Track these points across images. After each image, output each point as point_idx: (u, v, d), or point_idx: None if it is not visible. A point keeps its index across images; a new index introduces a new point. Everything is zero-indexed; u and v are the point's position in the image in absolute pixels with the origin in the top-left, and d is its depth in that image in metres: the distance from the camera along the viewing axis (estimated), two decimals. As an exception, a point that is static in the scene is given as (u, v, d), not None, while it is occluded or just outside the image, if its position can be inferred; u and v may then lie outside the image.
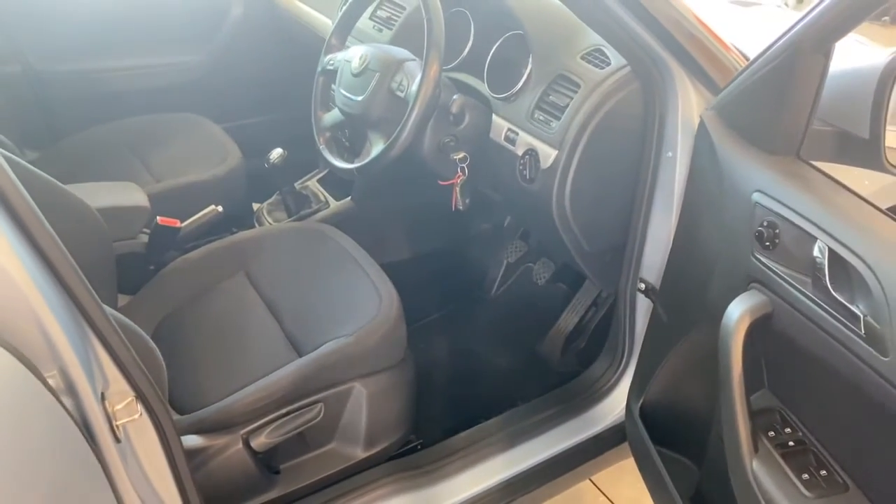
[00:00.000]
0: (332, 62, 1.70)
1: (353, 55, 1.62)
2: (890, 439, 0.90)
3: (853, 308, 0.90)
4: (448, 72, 1.73)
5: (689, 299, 1.29)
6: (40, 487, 0.71)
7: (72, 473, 0.79)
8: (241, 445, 1.30)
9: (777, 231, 1.03)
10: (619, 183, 1.48)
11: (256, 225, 2.15)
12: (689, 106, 1.31)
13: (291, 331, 1.46)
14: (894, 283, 0.86)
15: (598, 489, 1.96)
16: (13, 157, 1.23)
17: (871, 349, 0.87)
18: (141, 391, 0.92)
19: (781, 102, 1.08)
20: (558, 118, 1.45)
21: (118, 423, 0.89)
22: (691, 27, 1.25)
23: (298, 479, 1.40)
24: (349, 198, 2.16)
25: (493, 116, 1.60)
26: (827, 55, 1.02)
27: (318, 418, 1.37)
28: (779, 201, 1.03)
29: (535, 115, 1.50)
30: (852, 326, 0.90)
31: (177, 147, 2.15)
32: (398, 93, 1.52)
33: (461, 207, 1.64)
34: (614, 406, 1.62)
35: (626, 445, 1.54)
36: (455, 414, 1.74)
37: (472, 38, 1.75)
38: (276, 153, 2.04)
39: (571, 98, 1.44)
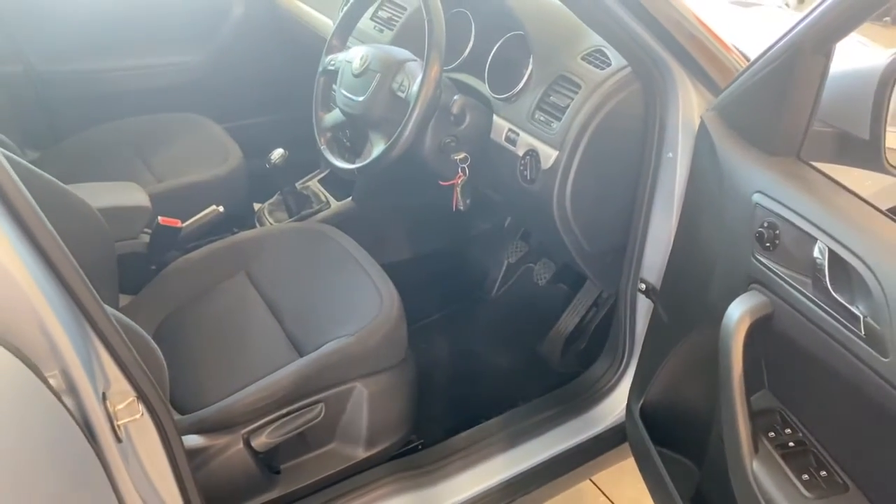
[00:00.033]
0: (333, 62, 1.70)
1: (354, 56, 1.62)
2: (890, 440, 0.91)
3: (853, 309, 0.90)
4: (449, 72, 1.74)
5: (689, 300, 1.29)
6: (42, 487, 0.71)
7: (73, 473, 0.79)
8: (241, 445, 1.31)
9: (777, 232, 1.03)
10: (620, 183, 1.48)
11: (257, 225, 2.16)
12: (690, 107, 1.31)
13: (292, 331, 1.46)
14: (894, 284, 0.86)
15: (599, 489, 1.96)
16: (15, 157, 1.24)
17: (870, 350, 0.87)
18: (142, 391, 0.92)
19: (782, 103, 1.08)
20: (559, 119, 1.45)
21: (119, 422, 0.89)
22: (692, 28, 1.25)
23: (299, 479, 1.40)
24: (350, 198, 2.16)
25: (494, 117, 1.60)
26: (827, 56, 1.02)
27: (319, 418, 1.37)
28: (779, 202, 1.03)
29: (536, 116, 1.50)
30: (852, 327, 0.90)
31: (178, 147, 2.15)
32: (399, 93, 1.52)
33: (462, 208, 1.64)
34: (615, 406, 1.62)
35: (626, 446, 1.54)
36: (456, 414, 1.74)
37: (472, 39, 1.75)
38: (278, 153, 2.05)
39: (572, 99, 1.44)
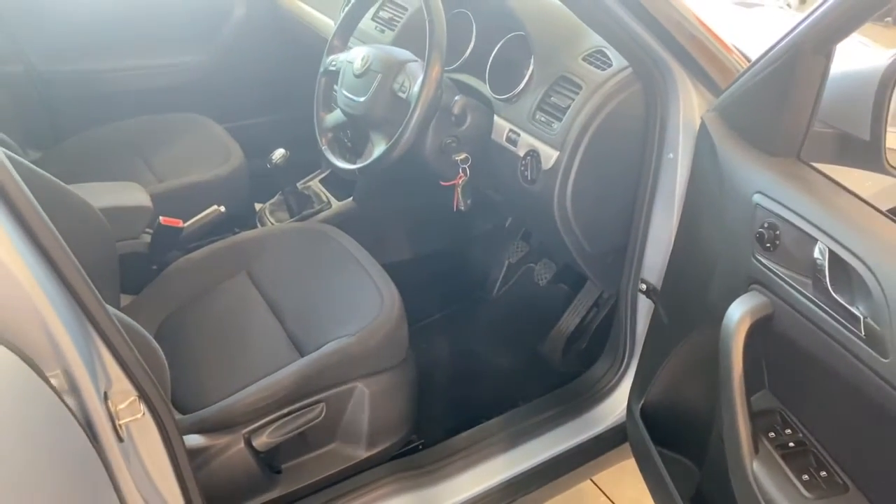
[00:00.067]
0: (334, 63, 1.71)
1: (355, 56, 1.62)
2: (889, 440, 0.91)
3: (853, 309, 0.90)
4: (450, 73, 1.74)
5: (689, 300, 1.29)
6: (44, 487, 0.71)
7: (75, 473, 0.79)
8: (242, 445, 1.31)
9: (778, 232, 1.03)
10: (621, 184, 1.48)
11: (259, 225, 2.16)
12: (691, 107, 1.31)
13: (293, 331, 1.46)
14: (894, 284, 0.86)
15: (600, 489, 1.96)
16: (16, 157, 1.24)
17: (870, 350, 0.88)
18: (144, 391, 0.93)
19: (782, 104, 1.08)
20: (560, 119, 1.45)
21: (121, 422, 0.89)
22: (692, 28, 1.26)
23: (300, 479, 1.41)
24: (351, 198, 2.16)
25: (495, 117, 1.60)
26: (828, 57, 1.03)
27: (320, 418, 1.37)
28: (779, 203, 1.03)
29: (537, 117, 1.50)
30: (852, 328, 0.90)
31: (179, 147, 2.15)
32: (400, 94, 1.52)
33: (463, 208, 1.64)
34: (615, 406, 1.62)
35: (627, 446, 1.54)
36: (456, 414, 1.74)
37: (473, 40, 1.75)
38: (279, 153, 2.05)
39: (573, 99, 1.44)
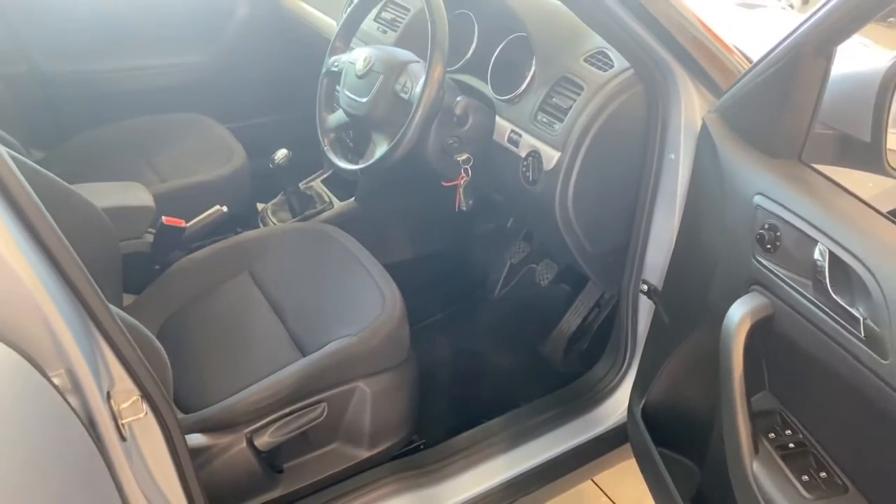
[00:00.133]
0: (336, 64, 1.71)
1: (357, 57, 1.62)
2: (889, 441, 0.91)
3: (853, 311, 0.91)
4: (452, 73, 1.74)
5: (690, 301, 1.29)
6: (46, 486, 0.71)
7: (77, 472, 0.80)
8: (244, 444, 1.31)
9: (778, 234, 1.03)
10: (622, 185, 1.49)
11: (261, 225, 2.16)
12: (692, 108, 1.31)
13: (295, 330, 1.47)
14: (894, 286, 0.86)
15: (601, 490, 1.96)
16: (20, 156, 1.24)
17: (870, 352, 0.88)
18: (146, 390, 0.93)
19: (783, 105, 1.08)
20: (561, 120, 1.45)
21: (123, 421, 0.90)
22: (694, 29, 1.26)
23: (302, 479, 1.41)
24: (353, 198, 2.17)
25: (497, 118, 1.60)
26: (829, 58, 1.03)
27: (322, 418, 1.38)
28: (780, 204, 1.03)
29: (539, 117, 1.50)
30: (852, 329, 0.91)
31: (182, 147, 2.16)
32: (402, 94, 1.53)
33: (464, 208, 1.64)
34: (616, 407, 1.62)
35: (628, 446, 1.54)
36: (458, 414, 1.75)
37: (475, 40, 1.75)
38: (281, 154, 2.05)
39: (574, 100, 1.44)
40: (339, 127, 1.73)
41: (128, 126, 2.21)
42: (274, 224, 2.13)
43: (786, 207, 1.02)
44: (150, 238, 1.77)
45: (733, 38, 1.34)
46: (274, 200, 2.22)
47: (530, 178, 1.52)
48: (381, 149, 1.54)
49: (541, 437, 1.57)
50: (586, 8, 1.31)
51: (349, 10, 1.73)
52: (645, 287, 1.49)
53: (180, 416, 1.30)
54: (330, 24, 2.16)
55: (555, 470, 1.55)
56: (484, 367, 1.99)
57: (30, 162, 1.27)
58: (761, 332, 1.05)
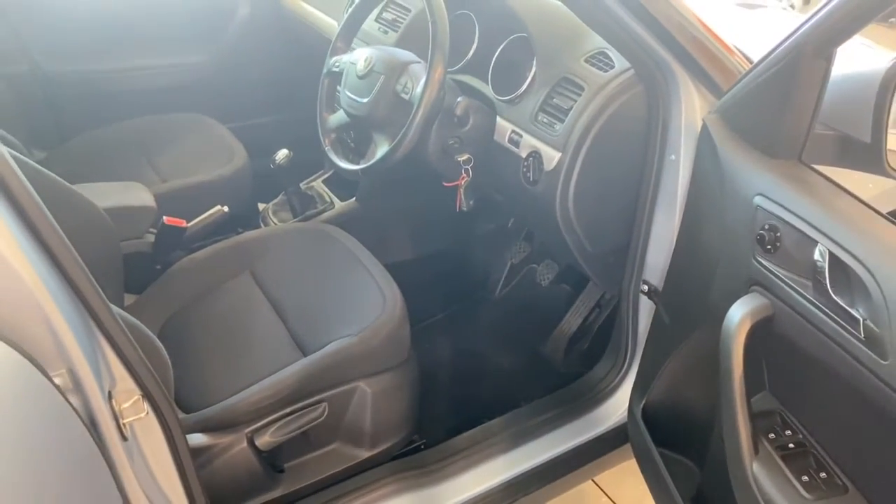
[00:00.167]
0: (337, 64, 1.71)
1: (358, 57, 1.63)
2: (889, 442, 0.91)
3: (853, 311, 0.91)
4: (452, 74, 1.74)
5: (691, 301, 1.29)
6: (48, 486, 0.72)
7: (78, 471, 0.80)
8: (245, 444, 1.31)
9: (778, 234, 1.03)
10: (623, 185, 1.49)
11: (262, 225, 2.16)
12: (693, 109, 1.31)
13: (296, 330, 1.47)
14: (894, 287, 0.86)
15: (601, 490, 1.96)
16: (21, 156, 1.24)
17: (870, 352, 0.88)
18: (147, 390, 0.93)
19: (784, 106, 1.08)
20: (562, 120, 1.45)
21: (125, 421, 0.90)
22: (694, 30, 1.26)
23: (302, 478, 1.41)
24: (354, 199, 2.17)
25: (498, 118, 1.61)
26: (829, 59, 1.03)
27: (322, 418, 1.38)
28: (780, 205, 1.03)
29: (539, 118, 1.50)
30: (852, 330, 0.91)
31: (183, 147, 2.16)
32: (403, 95, 1.53)
33: (465, 209, 1.64)
34: (617, 407, 1.62)
35: (628, 446, 1.54)
36: (458, 414, 1.75)
37: (476, 41, 1.76)
38: (282, 154, 2.06)
39: (575, 101, 1.44)
40: (340, 127, 1.73)
41: (129, 126, 2.21)
42: (275, 224, 2.13)
43: (786, 208, 1.02)
44: (151, 238, 1.77)
45: (734, 38, 1.34)
46: (275, 200, 2.23)
47: (531, 179, 1.52)
48: (381, 149, 1.54)
49: (541, 437, 1.57)
50: (586, 8, 1.31)
51: (350, 10, 1.74)
52: (645, 287, 1.49)
53: (181, 415, 1.30)
54: (331, 24, 2.16)
55: (555, 470, 1.56)
56: (484, 367, 2.00)
57: (31, 162, 1.28)
58: (761, 332, 1.06)
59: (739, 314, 1.06)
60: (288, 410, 1.35)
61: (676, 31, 1.25)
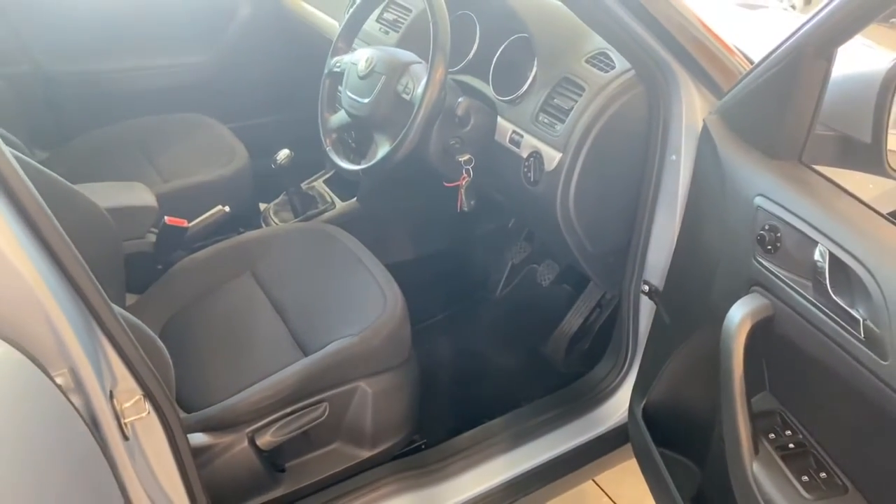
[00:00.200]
0: (338, 64, 1.71)
1: (359, 57, 1.63)
2: (889, 442, 0.91)
3: (853, 312, 0.91)
4: (453, 74, 1.74)
5: (691, 301, 1.29)
6: (49, 486, 0.72)
7: (80, 471, 0.80)
8: (246, 444, 1.32)
9: (779, 235, 1.03)
10: (623, 185, 1.49)
11: (263, 225, 2.17)
12: (693, 110, 1.32)
13: (297, 330, 1.47)
14: (894, 287, 0.86)
15: (601, 490, 1.97)
16: (23, 156, 1.25)
17: (870, 353, 0.88)
18: (149, 389, 0.93)
19: (784, 107, 1.08)
20: (563, 121, 1.46)
21: (126, 420, 0.90)
22: (694, 30, 1.26)
23: (303, 478, 1.41)
24: (355, 199, 2.17)
25: (498, 119, 1.61)
26: (829, 60, 1.03)
27: (323, 417, 1.38)
28: (781, 205, 1.03)
29: (540, 118, 1.50)
30: (852, 330, 0.91)
31: (184, 147, 2.16)
32: (404, 95, 1.53)
33: (466, 209, 1.64)
34: (618, 407, 1.62)
35: (629, 446, 1.54)
36: (459, 414, 1.75)
37: (477, 41, 1.76)
38: (283, 154, 2.06)
39: (576, 101, 1.44)
40: (341, 127, 1.73)
41: (130, 126, 2.21)
42: (276, 224, 2.13)
43: (786, 209, 1.02)
44: (152, 238, 1.78)
45: (734, 38, 1.34)
46: (276, 200, 2.23)
47: (532, 179, 1.52)
48: (382, 149, 1.54)
49: (542, 437, 1.57)
50: (587, 8, 1.31)
51: (351, 10, 1.74)
52: (646, 287, 1.50)
53: (182, 415, 1.31)
54: (332, 24, 2.16)
55: (556, 470, 1.56)
56: (485, 367, 2.00)
57: (33, 162, 1.28)
58: (761, 332, 1.06)
59: (740, 314, 1.06)
60: (289, 410, 1.35)
61: (677, 31, 1.25)
